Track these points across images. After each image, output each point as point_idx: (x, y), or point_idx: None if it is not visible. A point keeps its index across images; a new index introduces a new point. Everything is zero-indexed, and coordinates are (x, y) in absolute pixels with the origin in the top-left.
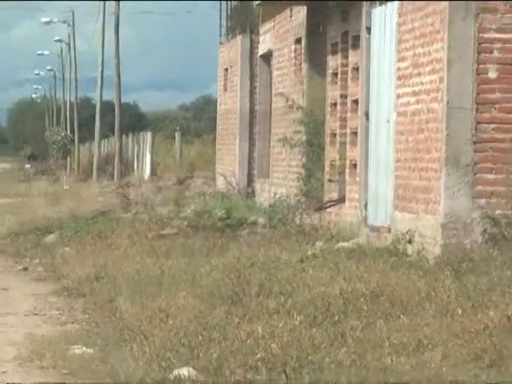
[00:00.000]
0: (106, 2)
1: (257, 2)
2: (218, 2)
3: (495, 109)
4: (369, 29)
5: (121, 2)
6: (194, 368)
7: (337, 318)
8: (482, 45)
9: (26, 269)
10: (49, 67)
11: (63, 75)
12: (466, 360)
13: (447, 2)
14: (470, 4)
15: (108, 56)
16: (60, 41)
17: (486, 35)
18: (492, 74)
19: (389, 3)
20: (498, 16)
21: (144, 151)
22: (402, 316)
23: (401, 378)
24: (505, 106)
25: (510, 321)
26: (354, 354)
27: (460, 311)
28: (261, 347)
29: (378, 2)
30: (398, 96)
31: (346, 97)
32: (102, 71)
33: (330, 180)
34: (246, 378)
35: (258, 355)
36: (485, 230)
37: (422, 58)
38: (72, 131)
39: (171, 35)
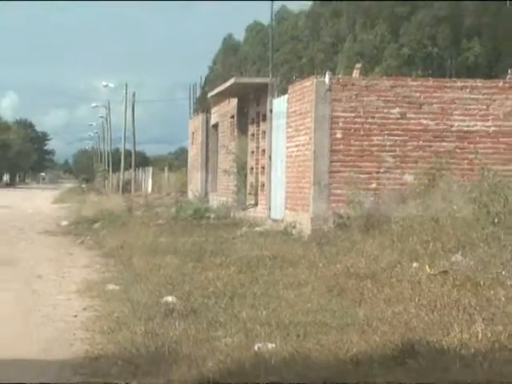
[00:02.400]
0: (128, 94)
1: (210, 95)
2: (188, 95)
3: (340, 154)
4: (271, 110)
5: (136, 93)
6: (175, 296)
7: (253, 269)
8: (333, 119)
9: (82, 242)
10: (95, 131)
11: (104, 135)
12: (325, 292)
13: (314, 97)
14: (327, 96)
15: (128, 125)
16: (102, 117)
17: (336, 114)
18: (338, 135)
19: (282, 96)
20: (341, 103)
21: (147, 178)
22: (289, 268)
23: (288, 303)
24: (346, 153)
25: (348, 270)
26: (262, 289)
27: (321, 265)
28: (211, 285)
29: (276, 95)
30: (287, 147)
31: (258, 148)
32: (125, 133)
33: (249, 193)
34: (203, 302)
35: (210, 289)
36: (334, 221)
37: (300, 126)
38: (108, 166)
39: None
